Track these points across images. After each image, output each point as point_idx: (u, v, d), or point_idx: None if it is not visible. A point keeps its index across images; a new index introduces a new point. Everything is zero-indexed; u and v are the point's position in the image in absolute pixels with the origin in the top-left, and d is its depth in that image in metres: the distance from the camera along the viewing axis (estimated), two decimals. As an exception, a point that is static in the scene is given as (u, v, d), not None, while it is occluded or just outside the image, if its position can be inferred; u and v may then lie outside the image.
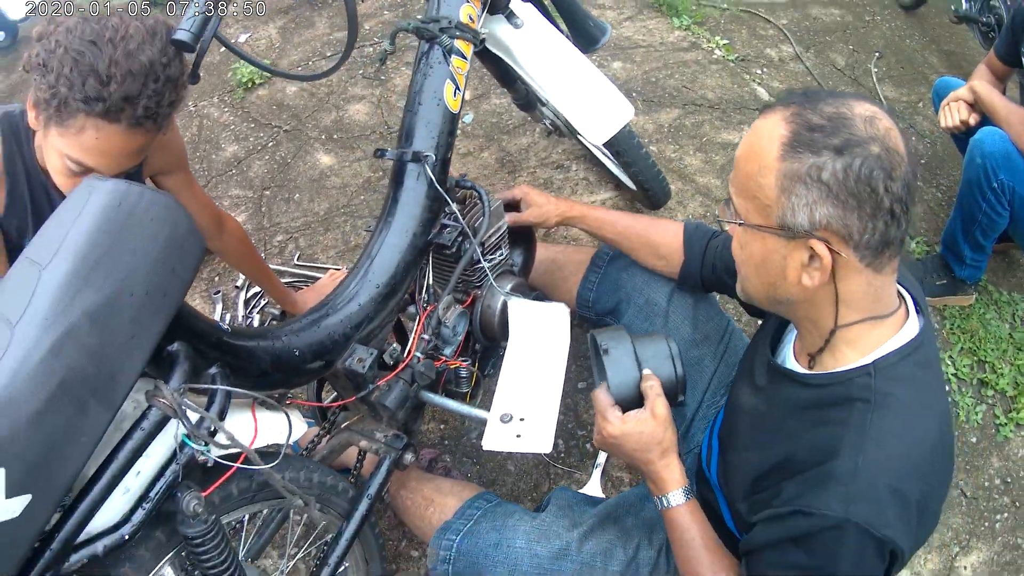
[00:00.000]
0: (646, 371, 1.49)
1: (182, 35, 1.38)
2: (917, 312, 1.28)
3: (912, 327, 1.24)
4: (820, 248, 1.12)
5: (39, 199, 1.66)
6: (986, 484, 2.45)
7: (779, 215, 1.14)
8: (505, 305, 1.84)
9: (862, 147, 1.07)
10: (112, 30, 1.30)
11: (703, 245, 1.83)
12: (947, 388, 2.64)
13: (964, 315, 2.87)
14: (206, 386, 1.18)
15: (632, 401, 1.48)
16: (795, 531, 1.17)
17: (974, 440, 2.55)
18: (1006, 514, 2.39)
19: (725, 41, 3.96)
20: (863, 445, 1.14)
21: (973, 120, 2.58)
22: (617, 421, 1.45)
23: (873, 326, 1.22)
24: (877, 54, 4.12)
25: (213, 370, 1.22)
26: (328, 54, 3.69)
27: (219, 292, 2.68)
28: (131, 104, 1.33)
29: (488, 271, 1.82)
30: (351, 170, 3.13)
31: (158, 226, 1.06)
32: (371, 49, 3.76)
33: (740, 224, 1.23)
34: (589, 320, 2.16)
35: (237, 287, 2.68)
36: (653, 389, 1.46)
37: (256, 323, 2.59)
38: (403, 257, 1.65)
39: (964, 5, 3.87)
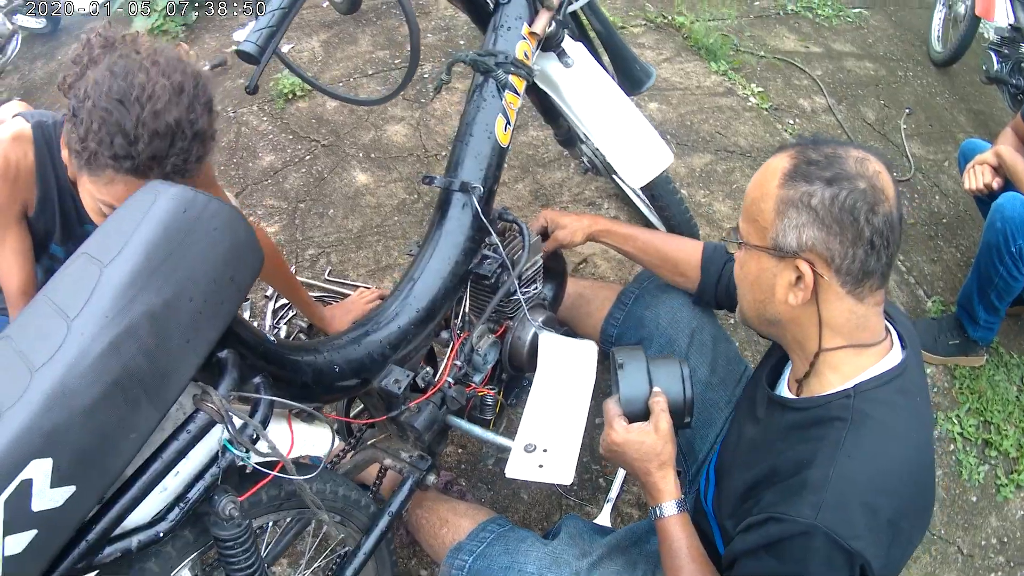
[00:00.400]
0: (656, 388, 1.54)
1: (248, 47, 1.41)
2: (903, 347, 1.36)
3: (895, 357, 1.33)
4: (804, 267, 1.25)
5: (67, 205, 1.69)
6: (983, 543, 2.47)
7: (773, 235, 1.28)
8: (535, 337, 1.86)
9: (850, 181, 1.21)
10: (139, 88, 1.28)
11: (720, 266, 1.89)
12: (952, 447, 2.68)
13: (974, 376, 2.89)
14: (252, 395, 1.20)
15: (640, 415, 1.54)
16: (768, 538, 1.24)
17: (974, 499, 2.57)
18: (1000, 573, 2.42)
19: (760, 89, 4.00)
20: (836, 457, 1.22)
21: (997, 184, 2.61)
22: (621, 430, 1.51)
23: (857, 353, 1.31)
24: (907, 110, 4.16)
25: (257, 379, 1.23)
26: (370, 72, 3.73)
27: (248, 301, 2.69)
28: (158, 163, 1.33)
29: (523, 303, 1.84)
30: (386, 191, 3.15)
31: (221, 235, 1.09)
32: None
33: (740, 244, 1.38)
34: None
35: (267, 297, 2.70)
36: (659, 405, 1.52)
37: (283, 334, 2.60)
38: (444, 283, 1.67)
39: (996, 66, 3.90)
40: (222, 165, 3.22)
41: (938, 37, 4.76)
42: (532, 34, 1.86)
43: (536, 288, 1.95)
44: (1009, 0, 3.84)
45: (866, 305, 1.28)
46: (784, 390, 1.47)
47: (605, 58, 2.31)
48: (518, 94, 1.83)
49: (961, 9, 4.42)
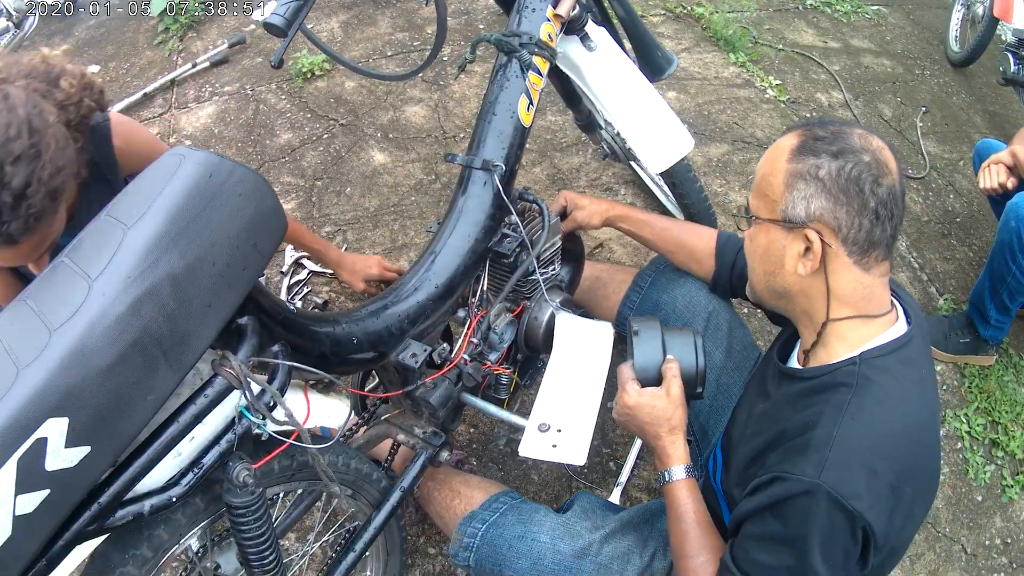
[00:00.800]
0: (669, 356, 1.55)
1: (276, 19, 1.39)
2: (908, 320, 1.38)
3: (900, 328, 1.35)
4: (813, 236, 1.28)
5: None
6: (987, 543, 2.46)
7: (782, 208, 1.31)
8: (552, 318, 1.84)
9: (855, 154, 1.26)
10: None
11: (734, 253, 1.90)
12: (960, 444, 2.67)
13: (983, 375, 2.87)
14: (271, 360, 1.17)
15: (652, 381, 1.55)
16: (772, 497, 1.25)
17: (979, 499, 2.56)
18: (1003, 574, 2.41)
19: (778, 82, 3.96)
20: (840, 420, 1.24)
21: (1011, 184, 2.59)
22: (634, 393, 1.53)
23: (863, 323, 1.33)
24: (924, 108, 4.11)
25: (276, 347, 1.21)
26: (389, 53, 3.70)
27: (264, 276, 2.67)
28: None
29: (541, 283, 1.82)
30: (404, 170, 3.12)
31: (245, 201, 1.06)
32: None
33: (751, 219, 1.41)
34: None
35: (283, 272, 2.68)
36: (671, 371, 1.54)
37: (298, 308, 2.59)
38: (464, 260, 1.66)
39: (1012, 68, 3.86)
40: (239, 142, 3.20)
41: (956, 37, 4.71)
42: (556, 16, 1.84)
43: (554, 269, 1.93)
44: (1029, 2, 3.78)
45: (872, 275, 1.31)
46: (793, 363, 1.50)
47: (627, 44, 2.27)
48: (541, 75, 1.81)
49: (979, 10, 4.37)
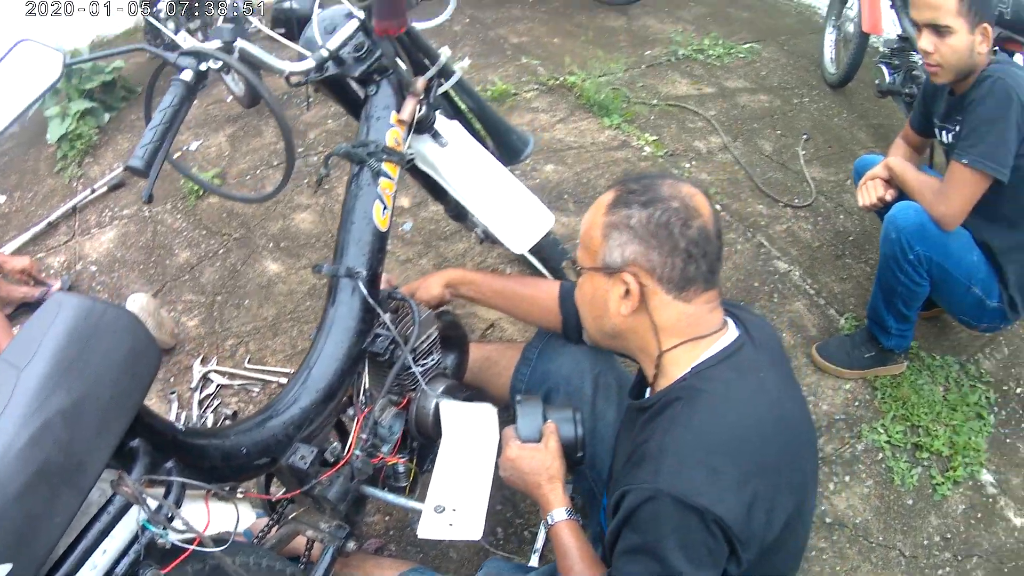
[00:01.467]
0: (549, 422, 1.86)
1: (135, 163, 1.61)
2: (741, 331, 1.62)
3: (729, 337, 1.59)
4: (629, 279, 1.52)
5: None
6: (925, 543, 2.67)
7: (601, 256, 1.55)
8: (438, 406, 2.09)
9: (664, 202, 1.50)
10: None
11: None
12: (880, 455, 2.87)
13: (895, 384, 3.11)
14: (163, 478, 1.46)
15: (533, 440, 1.85)
16: (624, 511, 1.48)
17: (910, 502, 2.77)
18: (948, 568, 2.61)
19: (654, 137, 4.38)
20: (672, 429, 1.48)
21: (890, 196, 2.83)
22: (515, 447, 1.83)
23: (694, 346, 1.57)
24: (805, 136, 4.50)
25: (169, 464, 1.49)
26: (275, 163, 4.06)
27: (175, 392, 3.00)
28: None
29: (419, 376, 2.08)
30: (297, 277, 3.44)
31: (121, 338, 1.35)
32: (315, 158, 4.13)
33: (578, 269, 1.65)
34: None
35: (192, 388, 2.97)
36: (549, 429, 1.85)
37: (210, 422, 2.89)
38: (340, 366, 1.91)
39: (888, 79, 4.15)
40: (141, 264, 3.53)
41: (831, 59, 5.12)
42: (400, 121, 2.12)
43: (434, 359, 2.19)
44: (894, 11, 4.17)
45: (695, 305, 1.55)
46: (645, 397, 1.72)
47: (484, 131, 2.59)
48: (392, 179, 2.08)
49: (850, 28, 4.76)
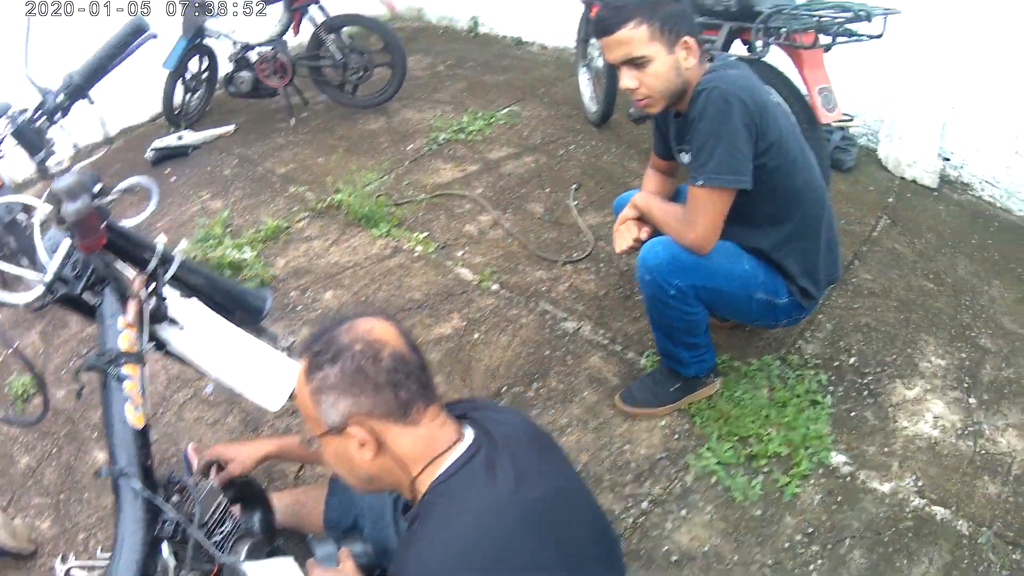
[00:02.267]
0: (343, 548, 2.16)
1: None
2: (477, 434, 1.81)
3: (463, 446, 1.79)
4: (356, 431, 1.70)
5: None
6: (786, 545, 2.81)
7: (323, 421, 1.73)
8: (243, 572, 2.37)
9: (347, 350, 1.70)
10: None
11: None
12: (713, 480, 3.04)
13: (710, 405, 3.31)
14: None
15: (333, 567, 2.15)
16: None
17: (758, 513, 2.92)
18: (821, 560, 2.76)
19: (424, 234, 4.78)
20: (408, 552, 1.68)
21: (645, 234, 2.99)
22: (319, 572, 2.03)
23: (435, 466, 1.75)
24: (574, 186, 4.97)
25: None
26: (84, 351, 4.35)
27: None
28: None
29: (211, 548, 2.31)
30: (119, 464, 3.70)
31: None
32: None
33: (311, 441, 1.84)
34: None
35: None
36: (344, 553, 2.10)
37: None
38: (137, 556, 2.17)
39: (632, 108, 4.58)
40: None
41: (591, 98, 5.63)
42: (129, 324, 2.44)
43: (234, 522, 2.50)
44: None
45: (424, 425, 1.74)
46: None
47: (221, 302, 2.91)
48: (135, 379, 2.39)
49: (600, 63, 5.28)
